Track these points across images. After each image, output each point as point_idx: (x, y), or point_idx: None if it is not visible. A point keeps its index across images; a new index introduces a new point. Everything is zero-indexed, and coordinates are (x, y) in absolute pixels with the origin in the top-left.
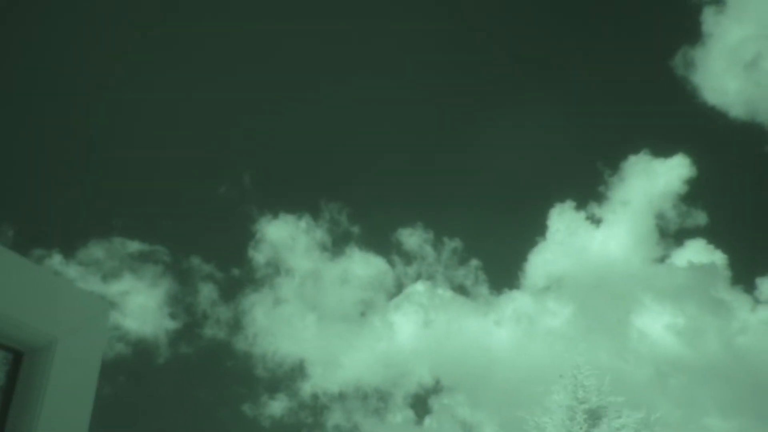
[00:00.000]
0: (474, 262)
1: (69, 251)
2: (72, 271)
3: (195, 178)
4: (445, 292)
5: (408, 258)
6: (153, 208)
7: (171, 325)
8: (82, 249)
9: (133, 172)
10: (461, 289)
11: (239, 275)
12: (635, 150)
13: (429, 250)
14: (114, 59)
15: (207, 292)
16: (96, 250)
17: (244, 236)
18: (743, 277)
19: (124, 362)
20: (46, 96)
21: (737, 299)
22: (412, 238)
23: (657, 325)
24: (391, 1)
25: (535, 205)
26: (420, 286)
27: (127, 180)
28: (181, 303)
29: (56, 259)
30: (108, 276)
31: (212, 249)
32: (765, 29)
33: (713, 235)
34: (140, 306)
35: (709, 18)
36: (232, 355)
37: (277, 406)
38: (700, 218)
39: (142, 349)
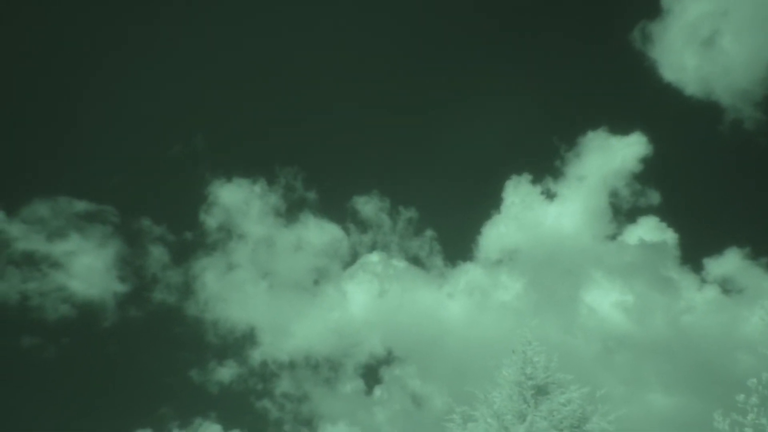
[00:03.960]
0: (429, 233)
1: (12, 209)
2: (15, 229)
3: (146, 138)
4: (399, 263)
5: (363, 226)
6: (101, 166)
7: (119, 288)
8: (25, 207)
9: (80, 129)
10: (416, 260)
11: (191, 239)
12: (593, 126)
13: (385, 218)
14: (68, 18)
15: (157, 255)
16: (40, 209)
17: (196, 199)
18: (692, 256)
19: (68, 324)
20: None
21: (685, 279)
22: (368, 206)
23: (606, 301)
24: None
25: (492, 178)
26: (375, 256)
27: (74, 137)
28: (130, 265)
29: None
30: (53, 235)
31: (163, 211)
32: (722, 6)
33: (665, 213)
34: (87, 267)
35: None
36: (182, 321)
37: (226, 373)
38: (653, 197)
39: (88, 312)
